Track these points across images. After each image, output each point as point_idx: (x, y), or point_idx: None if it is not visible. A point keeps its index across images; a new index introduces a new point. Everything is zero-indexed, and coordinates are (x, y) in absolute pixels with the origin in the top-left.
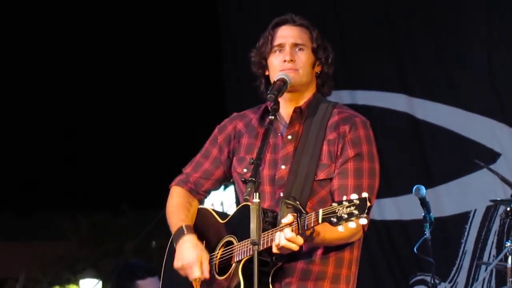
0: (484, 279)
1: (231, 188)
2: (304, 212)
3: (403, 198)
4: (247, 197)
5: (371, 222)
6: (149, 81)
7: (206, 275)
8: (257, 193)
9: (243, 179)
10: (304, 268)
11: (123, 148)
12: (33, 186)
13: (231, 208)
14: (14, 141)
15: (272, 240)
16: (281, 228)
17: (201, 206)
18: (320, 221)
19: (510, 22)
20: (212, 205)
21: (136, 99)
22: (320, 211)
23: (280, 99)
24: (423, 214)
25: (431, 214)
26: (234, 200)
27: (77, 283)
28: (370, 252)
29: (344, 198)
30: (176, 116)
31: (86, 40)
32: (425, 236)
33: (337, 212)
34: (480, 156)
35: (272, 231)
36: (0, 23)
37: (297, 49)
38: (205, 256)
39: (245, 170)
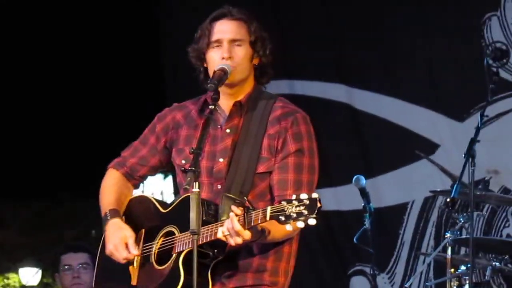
0: (422, 270)
1: (171, 178)
2: (251, 208)
3: (342, 189)
4: (187, 186)
5: None
6: (87, 69)
7: (134, 252)
8: (197, 183)
9: (183, 168)
10: (244, 261)
11: (64, 136)
12: None
13: (170, 198)
14: None
15: (215, 233)
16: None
17: (141, 194)
18: (267, 218)
19: (449, 14)
20: (152, 194)
21: (75, 87)
22: (268, 208)
23: (220, 93)
24: (362, 204)
25: (371, 204)
26: (173, 190)
27: (16, 272)
28: (309, 243)
29: (294, 196)
30: (115, 105)
31: (21, 30)
32: (365, 227)
33: (285, 211)
34: (419, 147)
35: (216, 225)
36: None
37: (235, 45)
38: (130, 235)
39: (183, 162)
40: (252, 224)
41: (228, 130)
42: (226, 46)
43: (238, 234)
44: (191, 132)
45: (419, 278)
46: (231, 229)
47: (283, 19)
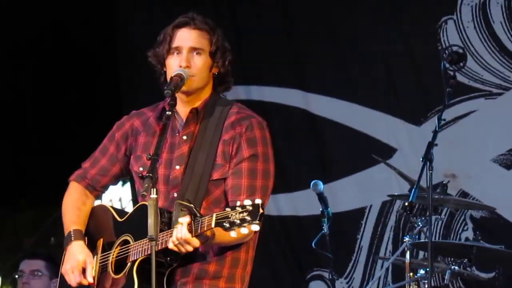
0: (381, 275)
1: (129, 184)
2: (198, 215)
3: (299, 194)
4: (144, 193)
5: (268, 217)
6: (49, 75)
7: (84, 282)
8: (155, 189)
9: (140, 175)
10: (200, 268)
11: (22, 143)
12: None
13: (129, 204)
14: None
15: (166, 241)
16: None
17: (100, 204)
18: (213, 225)
19: (406, 18)
20: (111, 201)
21: (35, 94)
22: (214, 215)
23: (178, 99)
24: (320, 209)
25: (329, 209)
26: (131, 196)
27: None
28: (267, 248)
29: (238, 203)
30: (74, 113)
31: None
32: (323, 231)
33: (230, 217)
34: (376, 152)
35: (168, 232)
36: None
37: (194, 53)
38: (88, 261)
39: (141, 169)
40: (199, 232)
41: (184, 137)
42: (185, 54)
43: (187, 242)
44: (149, 139)
45: (378, 283)
46: (180, 238)
47: (240, 24)
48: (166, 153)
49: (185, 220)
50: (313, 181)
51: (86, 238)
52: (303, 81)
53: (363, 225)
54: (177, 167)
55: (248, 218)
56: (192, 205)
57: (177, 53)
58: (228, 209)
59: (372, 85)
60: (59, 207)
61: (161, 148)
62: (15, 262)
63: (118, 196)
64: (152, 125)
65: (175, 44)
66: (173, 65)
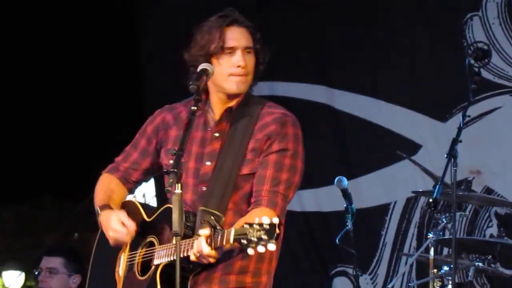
0: (405, 271)
1: (153, 180)
2: (218, 227)
3: (323, 190)
4: (169, 188)
5: (291, 214)
6: (71, 72)
7: (131, 226)
8: (179, 184)
9: (165, 170)
10: (226, 264)
11: (45, 139)
12: None
13: (153, 200)
14: None
15: (188, 250)
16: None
17: (129, 200)
18: (231, 241)
19: (431, 14)
20: (134, 196)
21: (58, 90)
22: (232, 231)
23: (215, 98)
24: (344, 205)
25: (353, 205)
26: (155, 192)
27: None
28: (290, 244)
29: (256, 220)
30: (98, 109)
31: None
32: (347, 228)
33: (247, 235)
34: (401, 148)
35: (190, 241)
36: None
37: (245, 52)
38: (122, 213)
39: (171, 162)
40: (218, 245)
41: (216, 134)
42: (241, 54)
43: (207, 256)
44: (180, 133)
45: (402, 279)
46: (200, 251)
47: (265, 20)
48: (197, 147)
49: (204, 233)
50: (337, 177)
51: None
52: (327, 77)
53: (387, 221)
54: (208, 163)
55: (265, 237)
56: (213, 218)
57: (230, 53)
58: (246, 226)
59: (397, 81)
60: (82, 203)
61: (185, 144)
62: (37, 258)
63: (142, 192)
64: (183, 119)
65: (229, 44)
66: (227, 65)
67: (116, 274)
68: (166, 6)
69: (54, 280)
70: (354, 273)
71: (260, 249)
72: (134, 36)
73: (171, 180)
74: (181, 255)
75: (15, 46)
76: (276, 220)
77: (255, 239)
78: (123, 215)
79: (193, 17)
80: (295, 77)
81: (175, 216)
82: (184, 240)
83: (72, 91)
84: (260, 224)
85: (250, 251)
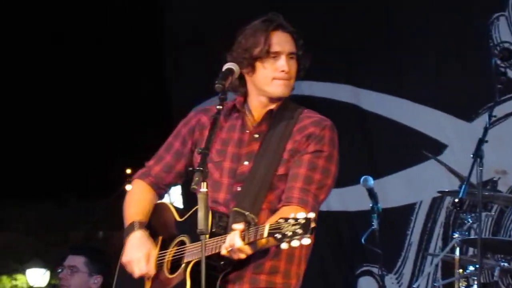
0: (430, 271)
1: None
2: (253, 223)
3: (349, 189)
4: (194, 186)
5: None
6: (96, 70)
7: (150, 272)
8: (205, 183)
9: (191, 168)
10: (257, 263)
11: (70, 137)
12: None
13: (178, 199)
14: None
15: (220, 246)
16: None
17: (161, 201)
18: (265, 235)
19: (457, 14)
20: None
21: (83, 88)
22: (267, 226)
23: (255, 101)
24: (370, 205)
25: (379, 205)
26: (180, 191)
27: (24, 273)
28: (316, 243)
29: (292, 215)
30: (122, 107)
31: (25, 32)
32: (373, 227)
33: (282, 229)
34: (426, 148)
35: (222, 238)
36: None
37: (289, 58)
38: (152, 254)
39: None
40: (251, 241)
41: (256, 135)
42: (285, 59)
43: (239, 250)
44: (212, 133)
45: (427, 279)
46: (232, 245)
47: (291, 19)
48: (233, 147)
49: (238, 227)
50: (363, 177)
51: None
52: (354, 76)
53: (413, 221)
54: (246, 162)
55: (300, 231)
56: (247, 212)
57: (274, 58)
58: (281, 220)
59: (423, 80)
60: (106, 201)
61: (211, 143)
62: (62, 256)
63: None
64: (219, 121)
65: (274, 48)
66: (270, 69)
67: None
68: (191, 6)
69: (74, 278)
70: (380, 273)
71: (294, 243)
72: (160, 34)
73: (196, 179)
74: (213, 252)
75: (42, 47)
76: (311, 215)
77: (290, 233)
78: (152, 258)
79: (217, 17)
80: (322, 77)
81: (200, 214)
82: (217, 237)
83: (97, 92)
84: (295, 219)
85: (284, 245)
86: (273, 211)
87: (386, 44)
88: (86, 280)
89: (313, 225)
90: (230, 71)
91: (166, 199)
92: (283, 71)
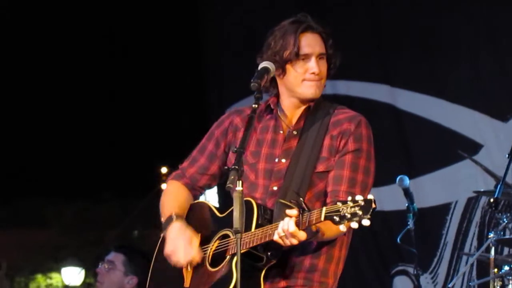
0: (465, 271)
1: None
2: (306, 209)
3: (385, 189)
4: (230, 185)
5: None
6: (134, 70)
7: (196, 258)
8: (240, 181)
9: (226, 167)
10: (296, 260)
11: (106, 136)
12: (16, 173)
13: (214, 200)
14: None
15: (269, 235)
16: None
17: (199, 201)
18: (322, 218)
19: (495, 14)
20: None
21: (120, 89)
22: (324, 209)
23: (287, 102)
24: (406, 204)
25: (414, 204)
26: (215, 189)
27: (59, 271)
28: (351, 243)
29: (350, 197)
30: (159, 107)
31: (71, 31)
32: (408, 227)
33: (340, 211)
34: (462, 147)
35: (273, 225)
36: None
37: (318, 59)
38: (195, 240)
39: None
40: (307, 225)
41: (295, 132)
42: (315, 60)
43: (293, 235)
44: (246, 133)
45: (462, 279)
46: (286, 230)
47: (328, 18)
48: (267, 148)
49: (292, 212)
50: (399, 176)
51: None
52: (390, 76)
53: (448, 221)
54: (283, 160)
55: (360, 212)
56: (301, 199)
57: (304, 59)
58: (339, 203)
59: (459, 80)
60: (142, 200)
61: (247, 142)
62: (97, 254)
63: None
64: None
65: (304, 51)
66: (300, 71)
67: (184, 269)
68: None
69: (109, 274)
70: (415, 272)
71: (354, 225)
72: (198, 24)
73: (232, 177)
74: (262, 240)
75: (83, 44)
76: (371, 196)
77: (349, 215)
78: (195, 244)
79: (256, 11)
80: (359, 76)
81: (236, 213)
82: (266, 226)
83: (137, 91)
84: (354, 201)
85: (342, 227)
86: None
87: (423, 43)
88: (121, 279)
89: (374, 206)
90: (266, 70)
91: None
92: (313, 73)
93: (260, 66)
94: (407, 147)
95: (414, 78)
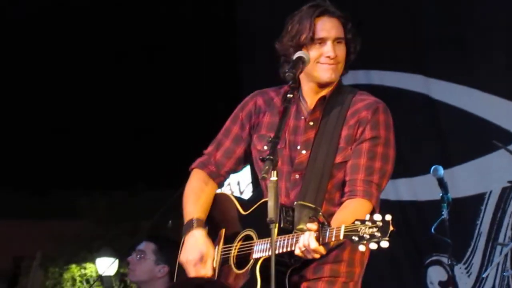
0: (499, 261)
1: (247, 168)
2: (326, 224)
3: (419, 179)
4: (264, 175)
5: (386, 202)
6: (166, 60)
7: (207, 274)
8: (275, 171)
9: (261, 157)
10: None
11: (140, 127)
12: (51, 165)
13: (248, 188)
14: (31, 119)
15: (291, 245)
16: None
17: (223, 193)
18: (341, 237)
19: None
20: (229, 184)
21: (153, 77)
22: (342, 227)
23: (306, 87)
24: (440, 194)
25: (448, 194)
26: (250, 180)
27: (93, 262)
28: None
29: (367, 217)
30: (193, 95)
31: (107, 23)
32: (443, 217)
33: (359, 231)
34: (496, 138)
35: (294, 236)
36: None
37: (336, 43)
38: (210, 254)
39: (265, 148)
40: (326, 241)
41: (311, 123)
42: (331, 45)
43: (314, 251)
44: (273, 119)
45: (496, 269)
46: (307, 246)
47: (361, 9)
48: (290, 134)
49: (312, 227)
50: (433, 166)
51: (207, 227)
52: (424, 66)
53: (482, 211)
54: (303, 152)
55: (378, 234)
56: (320, 214)
57: (320, 43)
58: (357, 222)
59: (493, 71)
60: (176, 190)
61: (282, 131)
62: (132, 245)
63: (236, 180)
64: (277, 106)
65: (319, 35)
66: (316, 56)
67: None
68: None
69: (140, 264)
70: (449, 262)
71: (372, 246)
72: (233, 10)
73: (266, 167)
74: (285, 250)
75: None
76: (388, 217)
77: (367, 236)
78: (210, 259)
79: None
80: (392, 66)
81: (270, 203)
82: (287, 235)
83: (169, 83)
84: (373, 221)
85: (362, 247)
86: (331, 200)
87: (457, 33)
88: (152, 268)
89: (391, 228)
90: (301, 59)
91: (226, 189)
92: (328, 56)
93: (294, 56)
94: (441, 137)
95: (448, 67)
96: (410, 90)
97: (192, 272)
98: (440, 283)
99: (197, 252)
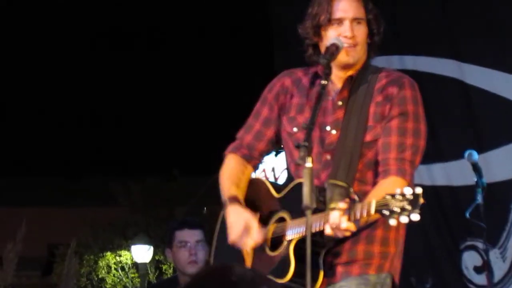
0: None
1: (282, 154)
2: (356, 200)
3: (453, 164)
4: (299, 162)
5: (420, 187)
6: (201, 47)
7: (259, 239)
8: (310, 158)
9: (297, 144)
10: (354, 233)
11: (175, 114)
12: (86, 152)
13: (283, 174)
14: (66, 106)
15: (326, 223)
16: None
17: (256, 177)
18: (372, 212)
19: None
20: (264, 171)
21: (187, 65)
22: (373, 202)
23: (333, 67)
24: (474, 179)
25: (483, 179)
26: (285, 166)
27: (128, 249)
28: (420, 218)
29: (398, 190)
30: (226, 82)
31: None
32: (477, 202)
33: (389, 205)
34: None
35: (324, 215)
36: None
37: (355, 23)
38: (253, 222)
39: (295, 129)
40: (357, 218)
41: (340, 103)
42: (348, 25)
43: (344, 229)
44: (303, 101)
45: None
46: (337, 224)
47: None
48: (319, 115)
49: (342, 206)
50: (467, 151)
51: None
52: (458, 51)
53: None
54: (333, 132)
55: (409, 207)
56: (351, 190)
57: (338, 24)
58: (388, 197)
59: None
60: (211, 177)
61: (316, 117)
62: (167, 231)
63: (271, 166)
64: (305, 87)
65: (337, 15)
66: (335, 36)
67: (244, 250)
68: None
69: (201, 251)
70: (484, 247)
71: (403, 219)
72: (265, 7)
73: (302, 154)
74: (316, 229)
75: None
76: (419, 190)
77: (398, 210)
78: (254, 227)
79: None
80: (426, 51)
81: (306, 189)
82: (319, 214)
83: (205, 75)
84: (403, 194)
85: (392, 221)
86: (363, 179)
87: (491, 18)
88: (207, 251)
89: (421, 201)
90: (335, 45)
91: (261, 175)
92: (345, 36)
93: (328, 43)
94: (475, 122)
95: (482, 52)
96: (444, 75)
97: (244, 245)
98: (475, 268)
99: (240, 225)
